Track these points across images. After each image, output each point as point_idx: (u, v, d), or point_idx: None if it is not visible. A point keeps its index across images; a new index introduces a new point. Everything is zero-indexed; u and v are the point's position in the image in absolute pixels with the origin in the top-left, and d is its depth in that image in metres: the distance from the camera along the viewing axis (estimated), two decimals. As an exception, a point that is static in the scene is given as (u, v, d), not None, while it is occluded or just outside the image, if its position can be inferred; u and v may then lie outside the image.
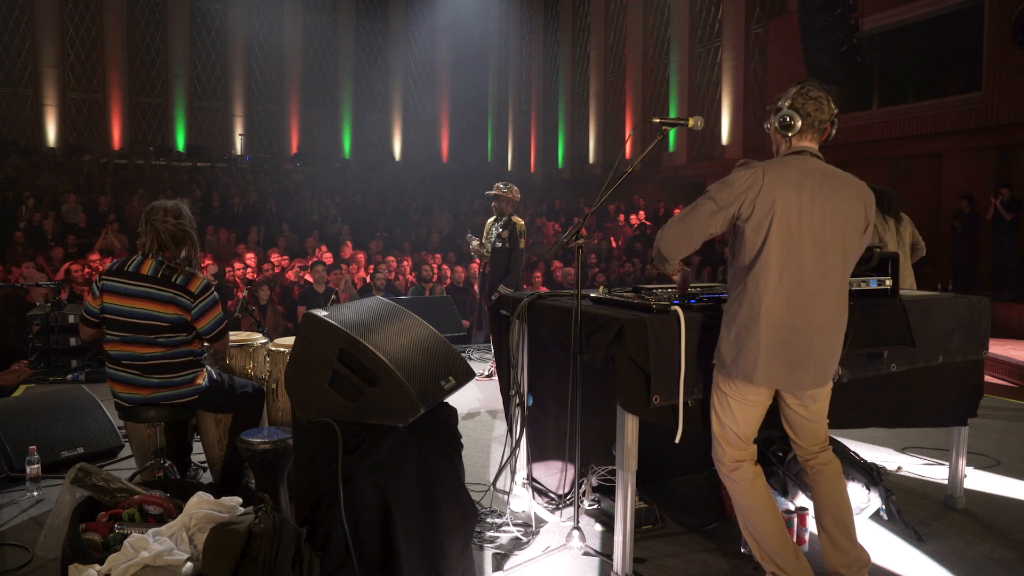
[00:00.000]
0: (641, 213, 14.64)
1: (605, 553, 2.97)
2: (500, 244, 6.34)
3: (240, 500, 2.47)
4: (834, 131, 2.59)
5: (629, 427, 2.69)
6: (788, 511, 3.05)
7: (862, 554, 2.62)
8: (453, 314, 7.82)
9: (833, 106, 2.54)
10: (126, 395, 3.18)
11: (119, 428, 4.23)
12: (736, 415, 2.56)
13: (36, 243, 10.74)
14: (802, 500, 3.18)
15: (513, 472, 3.44)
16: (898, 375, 3.17)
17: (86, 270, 8.75)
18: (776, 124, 2.55)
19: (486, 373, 6.48)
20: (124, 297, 3.10)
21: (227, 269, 8.97)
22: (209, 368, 3.34)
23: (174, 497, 2.64)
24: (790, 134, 2.52)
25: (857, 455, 3.39)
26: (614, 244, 13.07)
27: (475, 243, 6.67)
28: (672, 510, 3.45)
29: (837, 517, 2.62)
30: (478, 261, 6.73)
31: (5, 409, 4.12)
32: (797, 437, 2.68)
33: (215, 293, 3.19)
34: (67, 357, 6.60)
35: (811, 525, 3.01)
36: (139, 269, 3.12)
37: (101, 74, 19.92)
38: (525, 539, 3.12)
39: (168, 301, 3.08)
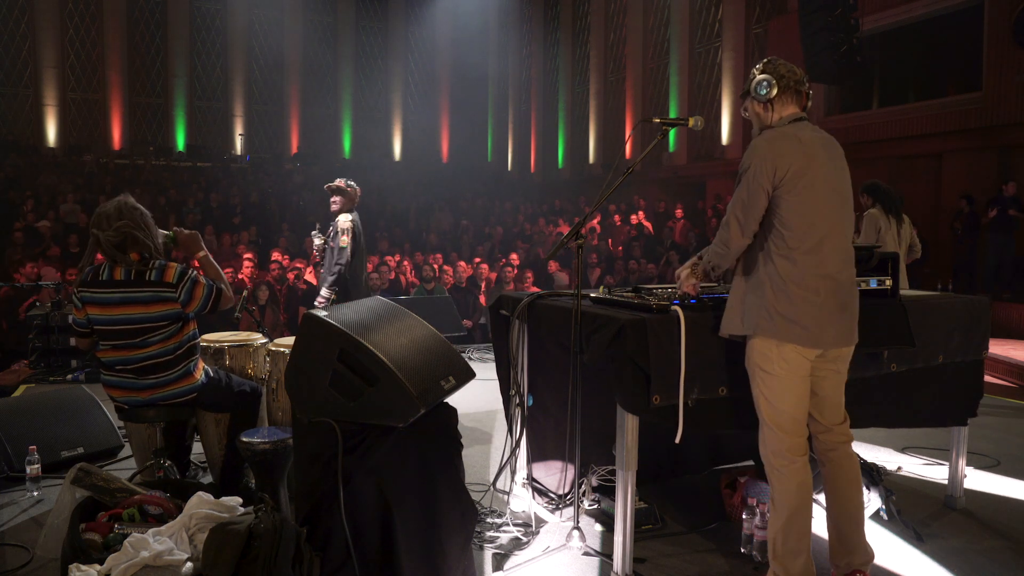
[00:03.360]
0: (640, 213, 14.63)
1: (605, 553, 2.97)
2: (326, 243, 5.90)
3: (240, 500, 2.47)
4: (810, 102, 2.64)
5: (629, 427, 2.69)
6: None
7: (868, 550, 2.64)
8: (453, 314, 7.81)
9: (802, 73, 2.63)
10: (124, 399, 3.17)
11: (119, 428, 4.23)
12: (791, 394, 2.53)
13: (36, 243, 10.75)
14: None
15: (513, 472, 3.44)
16: (898, 375, 3.17)
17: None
18: (754, 92, 2.58)
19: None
20: (105, 307, 3.05)
21: (228, 270, 8.97)
22: (206, 365, 3.34)
23: (174, 497, 2.64)
24: (772, 96, 2.55)
25: (857, 455, 3.39)
26: (611, 245, 13.06)
27: (318, 240, 6.14)
28: (672, 510, 3.45)
29: (850, 513, 2.63)
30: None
31: (5, 409, 4.13)
32: (822, 414, 2.66)
33: (192, 272, 3.12)
34: (67, 357, 6.59)
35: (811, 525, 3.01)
36: (112, 276, 3.05)
37: (101, 74, 19.92)
38: (525, 539, 3.12)
39: (151, 300, 3.03)
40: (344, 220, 5.79)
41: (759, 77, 2.57)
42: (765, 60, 2.64)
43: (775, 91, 2.54)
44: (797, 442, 2.56)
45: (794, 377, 2.52)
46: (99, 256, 3.17)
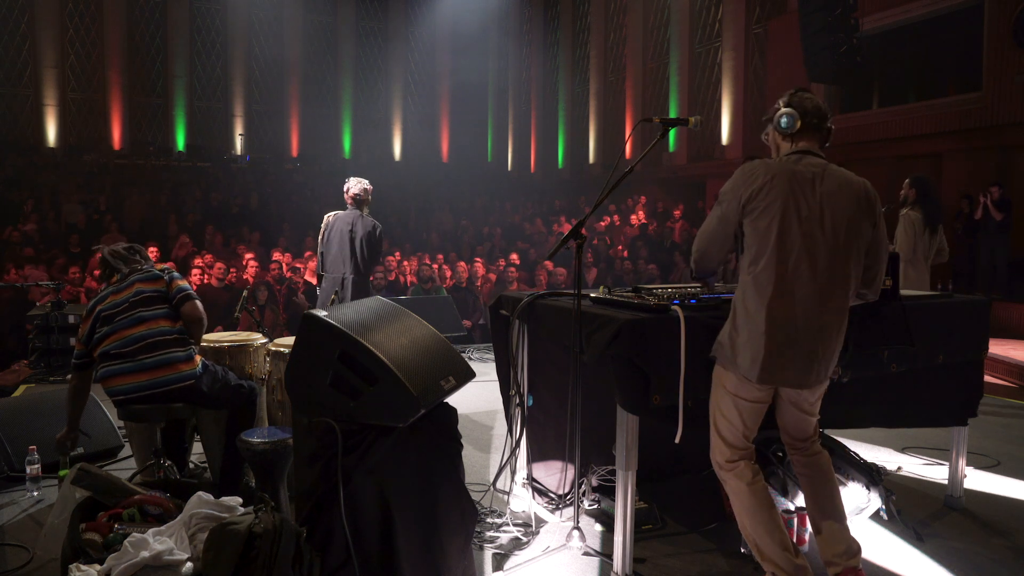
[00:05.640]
0: (640, 213, 14.63)
1: (605, 553, 2.97)
2: None
3: (240, 500, 2.47)
4: (831, 137, 2.63)
5: (629, 427, 2.69)
6: (788, 511, 3.05)
7: (853, 544, 2.64)
8: (453, 314, 7.82)
9: (828, 109, 2.60)
10: (122, 387, 3.17)
11: (119, 428, 4.23)
12: (737, 412, 2.56)
13: (35, 243, 10.74)
14: (802, 500, 3.17)
15: (513, 472, 3.44)
16: (898, 375, 3.17)
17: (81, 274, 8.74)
18: (776, 124, 2.57)
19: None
20: (119, 292, 3.34)
21: (231, 270, 8.97)
22: (203, 359, 3.36)
23: (174, 497, 2.64)
24: (791, 132, 2.55)
25: (857, 455, 3.39)
26: (608, 242, 13.06)
27: None
28: (672, 510, 3.45)
29: (828, 508, 2.65)
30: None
31: (5, 409, 4.12)
32: (786, 430, 2.71)
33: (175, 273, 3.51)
34: (67, 357, 6.58)
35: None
36: (109, 280, 3.45)
37: (101, 74, 19.90)
38: (525, 539, 3.12)
39: (147, 279, 3.38)
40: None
41: (784, 111, 2.54)
42: (792, 92, 2.59)
43: (798, 126, 2.53)
44: (740, 453, 2.60)
45: (739, 399, 2.55)
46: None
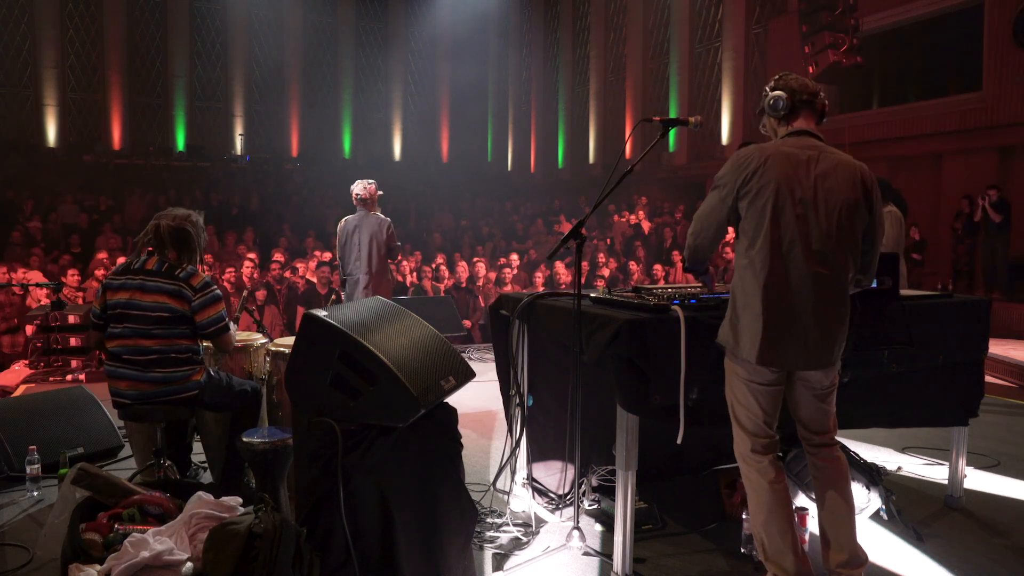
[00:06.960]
0: (640, 212, 14.62)
1: (605, 553, 2.97)
2: None
3: (240, 500, 2.47)
4: (826, 110, 2.64)
5: (629, 427, 2.69)
6: (788, 511, 3.05)
7: (860, 553, 2.62)
8: (453, 314, 7.82)
9: (816, 84, 2.61)
10: (128, 391, 3.18)
11: (119, 428, 4.23)
12: (753, 398, 2.55)
13: (35, 243, 10.74)
14: (802, 500, 3.18)
15: (513, 472, 3.44)
16: (898, 375, 3.17)
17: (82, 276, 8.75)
18: (770, 109, 2.59)
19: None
20: (138, 292, 3.18)
21: (229, 270, 8.96)
22: (208, 367, 3.35)
23: (174, 497, 2.64)
24: (783, 113, 2.56)
25: (857, 455, 3.39)
26: (608, 243, 13.05)
27: None
28: (672, 510, 3.45)
29: (840, 515, 2.62)
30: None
31: (5, 409, 4.12)
32: (803, 422, 2.67)
33: (216, 291, 3.26)
34: (67, 357, 6.59)
35: (811, 525, 3.02)
36: (144, 266, 3.23)
37: (101, 74, 19.90)
38: (525, 539, 3.12)
39: (175, 294, 3.17)
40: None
41: (773, 94, 2.57)
42: (776, 76, 2.64)
43: (789, 105, 2.55)
44: (763, 443, 2.57)
45: (753, 384, 2.54)
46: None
